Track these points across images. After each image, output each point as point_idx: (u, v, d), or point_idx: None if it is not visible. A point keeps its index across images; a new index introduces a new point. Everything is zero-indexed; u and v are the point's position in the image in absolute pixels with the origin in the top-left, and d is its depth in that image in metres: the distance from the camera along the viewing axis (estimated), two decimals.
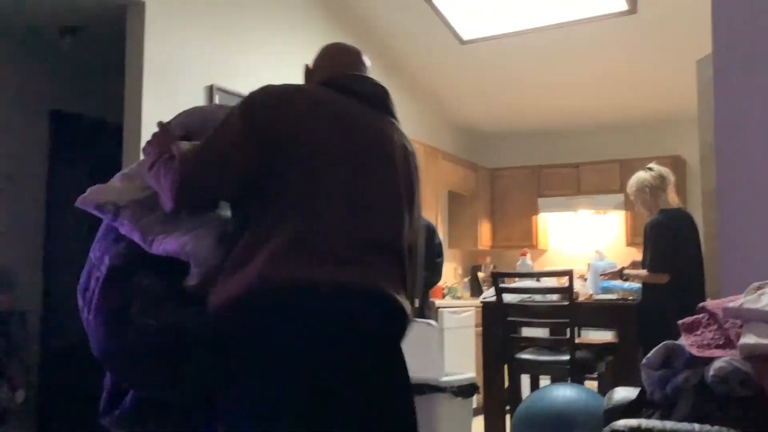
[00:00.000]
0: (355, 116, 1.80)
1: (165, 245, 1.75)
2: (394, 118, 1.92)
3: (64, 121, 5.19)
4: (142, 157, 1.90)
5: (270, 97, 1.75)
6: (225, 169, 1.68)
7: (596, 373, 4.36)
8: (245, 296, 1.58)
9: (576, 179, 7.17)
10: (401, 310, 1.72)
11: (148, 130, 4.03)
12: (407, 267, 1.79)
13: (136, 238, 1.78)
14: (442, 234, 5.83)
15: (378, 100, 1.88)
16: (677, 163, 6.65)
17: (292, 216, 1.64)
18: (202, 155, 1.69)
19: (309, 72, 1.99)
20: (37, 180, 5.10)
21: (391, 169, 1.82)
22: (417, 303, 4.12)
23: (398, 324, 1.74)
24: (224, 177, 1.69)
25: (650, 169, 4.12)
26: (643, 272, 4.01)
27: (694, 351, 1.98)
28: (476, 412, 4.16)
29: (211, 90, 4.41)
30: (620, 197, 6.68)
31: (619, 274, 4.23)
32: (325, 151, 1.71)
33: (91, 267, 1.85)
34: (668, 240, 3.93)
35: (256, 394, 1.59)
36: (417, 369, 3.56)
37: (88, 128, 5.25)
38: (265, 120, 1.70)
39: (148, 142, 1.85)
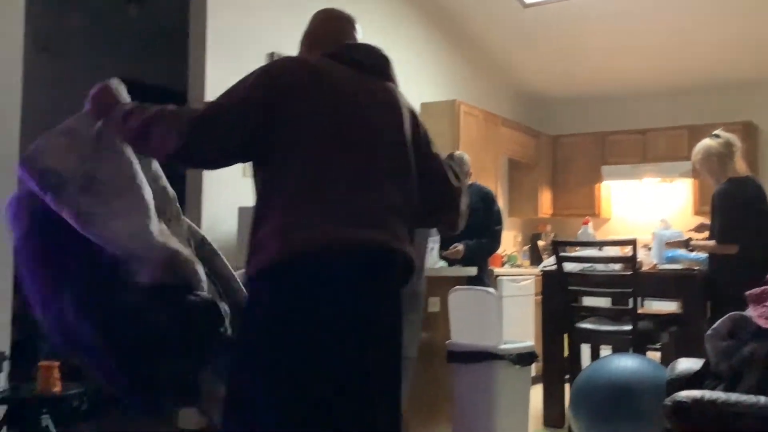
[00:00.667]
0: (364, 87, 1.90)
1: (104, 232, 1.73)
2: (395, 84, 2.01)
3: (129, 89, 5.29)
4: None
5: (286, 68, 1.86)
6: (230, 121, 1.78)
7: (659, 344, 4.29)
8: (273, 265, 1.71)
9: (642, 146, 6.97)
10: (412, 264, 1.88)
11: (211, 97, 4.11)
12: (414, 225, 1.92)
13: (65, 214, 1.72)
14: (501, 202, 5.79)
15: (381, 68, 1.98)
16: (749, 130, 6.40)
17: (310, 185, 1.75)
18: (212, 106, 1.83)
19: (308, 40, 2.07)
20: None
21: (400, 136, 1.91)
22: (476, 271, 4.14)
23: (408, 276, 1.90)
24: (228, 129, 1.79)
25: (717, 136, 3.99)
26: (711, 243, 3.90)
27: (762, 323, 1.94)
28: (535, 381, 4.15)
29: (272, 58, 4.43)
30: (688, 164, 6.43)
31: (685, 244, 4.12)
32: (335, 123, 1.81)
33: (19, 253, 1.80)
34: (736, 209, 3.82)
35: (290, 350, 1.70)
36: (475, 336, 3.58)
37: (154, 96, 5.35)
38: (277, 90, 1.80)
39: (93, 97, 1.93)
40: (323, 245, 1.70)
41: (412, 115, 1.99)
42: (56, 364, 3.03)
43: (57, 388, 2.96)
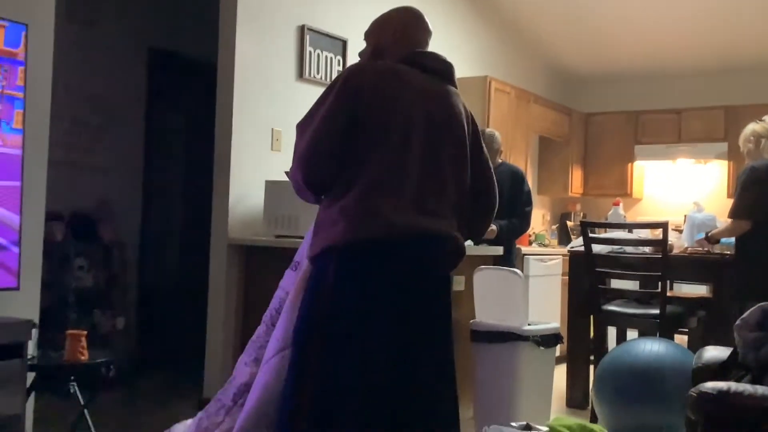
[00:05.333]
0: (434, 91, 2.15)
1: None
2: (456, 87, 2.26)
3: (161, 58, 5.31)
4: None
5: (365, 76, 2.08)
6: (326, 138, 2.04)
7: (687, 328, 4.23)
8: (341, 244, 1.97)
9: (677, 126, 6.82)
10: (462, 249, 2.17)
11: (241, 70, 4.11)
12: (465, 216, 2.20)
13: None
14: (531, 180, 5.72)
15: (447, 74, 2.23)
16: None
17: (384, 177, 2.01)
18: (308, 136, 2.06)
19: (386, 43, 2.22)
20: (135, 117, 5.27)
21: (460, 136, 2.17)
22: (502, 251, 4.10)
23: (458, 259, 2.19)
24: (329, 144, 2.04)
25: (762, 120, 3.93)
26: (722, 227, 3.84)
27: None
28: (559, 361, 4.13)
29: (302, 30, 4.40)
30: (723, 146, 6.34)
31: (707, 240, 4.02)
32: (409, 124, 2.06)
33: None
34: (758, 187, 3.71)
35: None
36: (500, 317, 3.56)
37: (184, 66, 5.36)
38: (360, 96, 2.03)
39: None
40: (389, 231, 1.96)
41: (472, 119, 2.25)
42: (84, 332, 3.08)
43: (84, 357, 3.01)
